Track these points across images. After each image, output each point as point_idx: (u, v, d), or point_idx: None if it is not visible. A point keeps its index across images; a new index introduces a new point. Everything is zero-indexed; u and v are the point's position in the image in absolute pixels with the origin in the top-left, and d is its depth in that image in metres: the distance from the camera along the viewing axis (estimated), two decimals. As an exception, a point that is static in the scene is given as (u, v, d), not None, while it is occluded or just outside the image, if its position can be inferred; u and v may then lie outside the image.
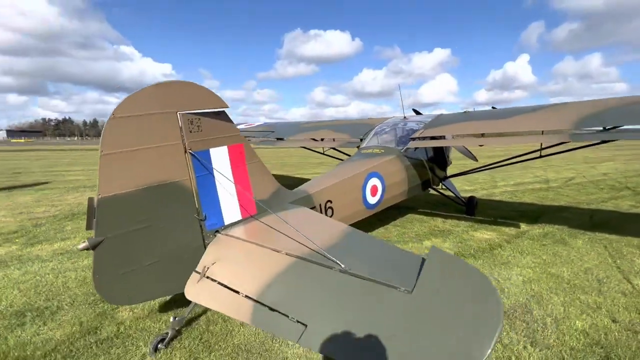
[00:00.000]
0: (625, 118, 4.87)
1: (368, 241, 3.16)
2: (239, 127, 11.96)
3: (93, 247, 2.66)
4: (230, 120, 3.52)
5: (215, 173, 3.38)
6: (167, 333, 3.22)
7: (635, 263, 5.17)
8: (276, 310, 2.40)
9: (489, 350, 1.77)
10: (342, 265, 2.52)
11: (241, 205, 3.63)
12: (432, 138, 6.60)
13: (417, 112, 9.49)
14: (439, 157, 7.56)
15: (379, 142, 6.89)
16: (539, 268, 4.96)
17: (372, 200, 5.61)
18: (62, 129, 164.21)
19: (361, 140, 7.62)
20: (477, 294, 2.18)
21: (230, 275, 2.86)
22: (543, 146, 6.44)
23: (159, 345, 3.09)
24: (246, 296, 2.57)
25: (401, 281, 2.31)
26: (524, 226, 7.20)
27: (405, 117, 7.84)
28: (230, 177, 3.51)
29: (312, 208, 4.49)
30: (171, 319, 3.33)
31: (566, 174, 16.79)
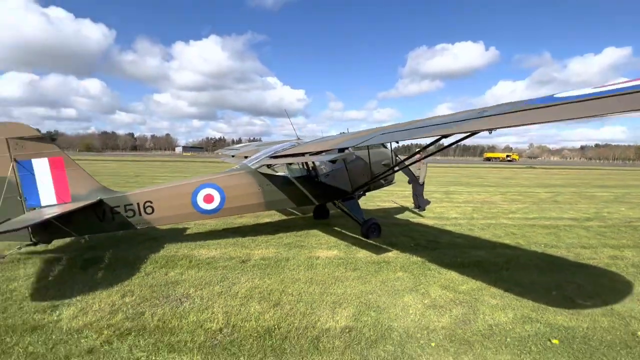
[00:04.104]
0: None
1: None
2: (254, 143, 14.49)
3: None
4: (49, 142, 5.73)
5: (36, 173, 5.64)
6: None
7: (397, 307, 4.60)
8: None
9: None
10: None
11: (57, 195, 5.79)
12: (293, 157, 7.14)
13: None
14: (315, 176, 7.60)
15: (247, 160, 7.85)
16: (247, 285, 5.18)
17: (207, 206, 6.78)
18: (218, 145, 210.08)
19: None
20: None
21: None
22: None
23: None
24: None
25: None
26: (391, 254, 6.67)
27: (298, 138, 8.46)
28: (49, 176, 5.73)
29: (128, 205, 6.25)
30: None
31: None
